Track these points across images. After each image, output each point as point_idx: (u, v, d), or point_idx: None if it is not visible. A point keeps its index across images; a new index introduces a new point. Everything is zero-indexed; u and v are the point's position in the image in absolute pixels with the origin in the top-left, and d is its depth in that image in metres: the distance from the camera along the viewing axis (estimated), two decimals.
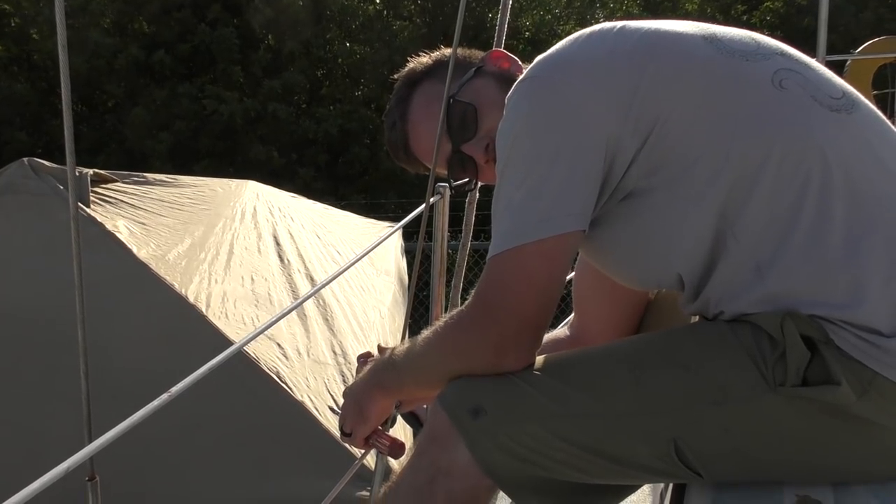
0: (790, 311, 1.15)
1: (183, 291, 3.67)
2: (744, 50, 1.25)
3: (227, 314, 3.71)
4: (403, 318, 5.02)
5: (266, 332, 3.84)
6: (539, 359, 1.27)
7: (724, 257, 1.20)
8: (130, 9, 12.65)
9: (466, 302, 1.25)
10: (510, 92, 1.26)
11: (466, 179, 1.61)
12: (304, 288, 4.39)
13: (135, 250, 3.82)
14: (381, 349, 1.61)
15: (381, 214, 7.55)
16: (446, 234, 1.87)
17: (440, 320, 1.30)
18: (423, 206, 1.75)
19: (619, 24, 1.30)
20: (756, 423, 1.16)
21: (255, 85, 12.16)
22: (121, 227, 3.99)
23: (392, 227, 6.34)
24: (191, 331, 3.57)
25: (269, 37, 12.78)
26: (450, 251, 2.07)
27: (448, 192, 1.85)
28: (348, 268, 1.59)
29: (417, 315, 5.92)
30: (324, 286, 1.52)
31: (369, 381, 1.42)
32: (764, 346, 1.16)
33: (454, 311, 1.28)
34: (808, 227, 1.15)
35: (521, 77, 1.26)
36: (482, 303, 1.22)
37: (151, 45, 12.19)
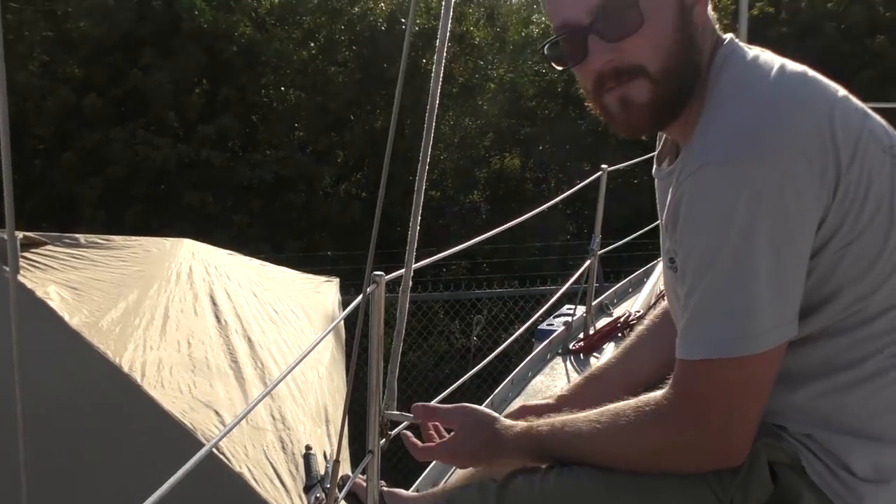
0: (768, 436, 1.26)
1: (117, 360, 3.63)
2: None
3: (162, 382, 3.67)
4: (342, 377, 5.02)
5: (203, 399, 3.82)
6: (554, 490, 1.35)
7: None
8: (60, 51, 12.47)
9: (672, 397, 1.25)
10: (709, 174, 1.19)
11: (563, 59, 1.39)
12: (242, 349, 4.38)
13: (66, 318, 3.77)
14: (524, 409, 1.61)
15: (319, 268, 7.54)
16: (382, 323, 1.90)
17: (633, 408, 1.30)
18: (360, 297, 1.79)
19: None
20: None
21: (189, 130, 12.05)
22: (52, 293, 3.93)
23: (331, 280, 6.29)
24: (126, 401, 3.54)
25: (204, 81, 12.71)
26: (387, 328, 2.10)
27: (384, 281, 1.88)
28: (299, 362, 1.61)
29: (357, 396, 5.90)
30: (279, 381, 1.54)
31: (524, 443, 1.41)
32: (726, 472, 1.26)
33: (653, 406, 1.27)
34: None
35: (722, 157, 1.19)
36: (703, 409, 1.22)
37: (82, 88, 12.01)
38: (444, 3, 1.89)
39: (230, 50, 12.18)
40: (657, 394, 1.30)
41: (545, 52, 1.37)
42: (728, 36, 1.36)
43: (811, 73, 1.29)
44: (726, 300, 1.18)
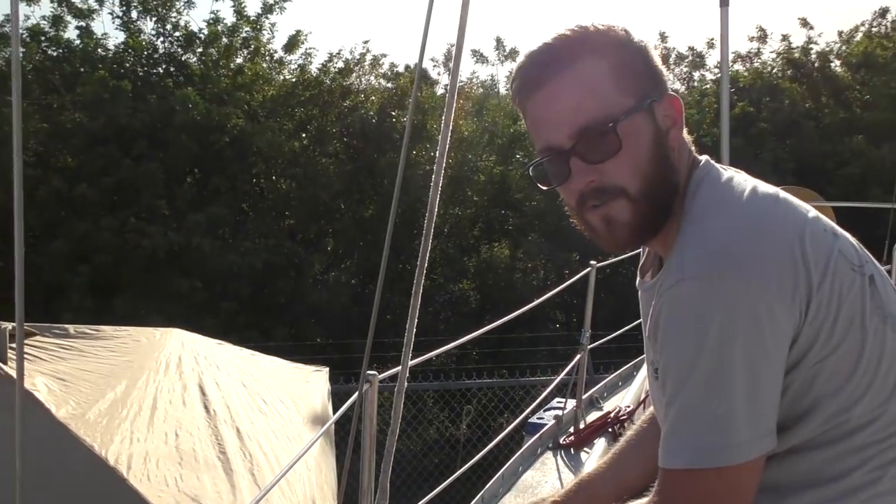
0: None
1: (103, 453, 3.59)
2: None
3: (149, 476, 3.62)
4: (331, 469, 4.95)
5: (189, 492, 3.76)
6: None
7: None
8: (54, 142, 12.63)
9: None
10: (686, 289, 1.24)
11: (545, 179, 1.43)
12: (231, 440, 4.34)
13: (53, 410, 3.74)
14: None
15: (308, 357, 7.51)
16: (375, 422, 1.91)
17: None
18: (354, 397, 1.80)
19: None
20: None
21: (180, 218, 12.13)
22: (39, 384, 3.90)
23: (320, 370, 6.25)
24: (112, 495, 3.49)
25: (196, 171, 12.86)
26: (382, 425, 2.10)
27: (377, 380, 1.90)
28: (286, 473, 1.61)
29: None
30: (266, 492, 1.54)
31: None
32: None
33: None
34: None
35: (698, 273, 1.24)
36: None
37: (74, 178, 12.12)
38: (447, 101, 1.97)
39: (222, 141, 12.38)
40: (641, 502, 1.31)
41: (530, 173, 1.43)
42: (703, 157, 1.44)
43: (782, 194, 1.36)
44: (704, 412, 1.23)
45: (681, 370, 1.24)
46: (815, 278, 1.24)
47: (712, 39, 16.01)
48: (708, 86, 15.65)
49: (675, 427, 1.26)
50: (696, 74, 16.54)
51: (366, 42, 17.18)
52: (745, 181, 1.37)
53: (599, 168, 1.33)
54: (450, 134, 1.63)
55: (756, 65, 15.64)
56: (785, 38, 15.11)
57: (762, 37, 15.73)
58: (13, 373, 3.87)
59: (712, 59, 17.17)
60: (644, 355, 1.56)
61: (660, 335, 1.29)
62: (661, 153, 1.36)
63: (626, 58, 1.36)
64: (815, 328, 1.24)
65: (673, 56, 16.75)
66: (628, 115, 1.32)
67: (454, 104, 1.63)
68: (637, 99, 1.34)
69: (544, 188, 1.44)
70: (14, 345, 4.12)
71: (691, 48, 17.71)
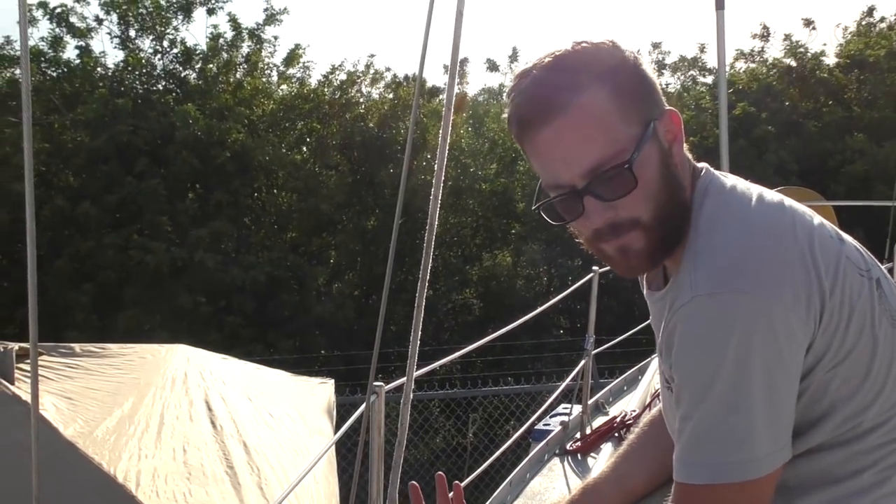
0: None
1: (112, 471, 3.60)
2: None
3: (157, 492, 3.63)
4: (336, 481, 4.95)
5: None
6: None
7: None
8: (56, 161, 12.68)
9: None
10: (701, 307, 1.23)
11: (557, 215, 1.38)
12: (238, 454, 4.35)
13: (61, 429, 3.75)
14: None
15: (313, 368, 7.53)
16: (383, 433, 1.92)
17: None
18: (364, 406, 1.81)
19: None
20: None
21: (183, 234, 12.16)
22: (46, 403, 3.92)
23: (326, 382, 6.26)
24: None
25: (197, 186, 12.90)
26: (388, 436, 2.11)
27: (384, 391, 1.91)
28: (295, 485, 1.63)
29: None
30: (286, 495, 1.56)
31: None
32: None
33: None
34: None
35: (713, 290, 1.23)
36: None
37: (77, 196, 12.16)
38: (443, 117, 1.98)
39: (223, 155, 12.41)
40: None
41: (540, 212, 1.39)
42: (703, 165, 1.42)
43: (787, 201, 1.34)
44: (724, 428, 1.22)
45: (699, 387, 1.23)
46: (827, 285, 1.24)
47: (704, 45, 15.85)
48: (703, 88, 15.54)
49: (694, 442, 1.25)
50: (692, 74, 16.39)
51: (371, 56, 17.17)
52: (748, 189, 1.36)
53: (615, 204, 1.30)
54: (447, 148, 1.64)
55: (753, 65, 15.52)
56: (787, 37, 14.89)
57: (765, 35, 15.54)
58: (21, 393, 3.89)
59: (709, 59, 17.01)
60: (647, 359, 1.57)
61: (675, 352, 1.28)
62: (668, 174, 1.33)
63: (622, 79, 1.32)
64: (828, 335, 1.24)
65: (672, 61, 16.60)
66: (639, 149, 1.29)
67: (450, 120, 1.64)
68: (641, 124, 1.31)
69: (555, 224, 1.38)
70: (21, 365, 4.13)
71: (683, 56, 17.46)
